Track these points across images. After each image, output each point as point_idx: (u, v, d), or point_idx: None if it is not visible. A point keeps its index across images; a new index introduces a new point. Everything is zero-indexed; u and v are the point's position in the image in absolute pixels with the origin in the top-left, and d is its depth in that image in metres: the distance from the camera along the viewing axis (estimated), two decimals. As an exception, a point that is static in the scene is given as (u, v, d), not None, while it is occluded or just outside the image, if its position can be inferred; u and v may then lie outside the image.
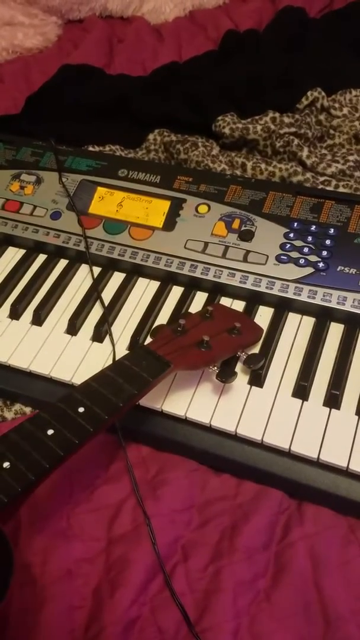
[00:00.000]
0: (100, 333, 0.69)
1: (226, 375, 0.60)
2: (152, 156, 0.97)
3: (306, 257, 0.69)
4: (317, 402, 0.61)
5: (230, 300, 0.71)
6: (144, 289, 0.73)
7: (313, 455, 0.57)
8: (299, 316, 0.68)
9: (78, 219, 0.77)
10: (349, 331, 0.65)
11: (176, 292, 0.72)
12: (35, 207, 0.80)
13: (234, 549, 0.56)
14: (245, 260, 0.70)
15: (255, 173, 0.89)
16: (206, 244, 0.72)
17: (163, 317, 0.70)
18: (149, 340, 0.67)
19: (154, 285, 0.73)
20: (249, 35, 1.17)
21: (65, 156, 0.84)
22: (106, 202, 0.78)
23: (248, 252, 0.70)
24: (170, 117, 0.99)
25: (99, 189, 0.80)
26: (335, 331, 0.66)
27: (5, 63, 1.22)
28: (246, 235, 0.71)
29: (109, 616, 0.53)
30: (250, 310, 0.69)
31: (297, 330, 0.67)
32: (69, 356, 0.67)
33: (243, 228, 0.72)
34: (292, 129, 0.92)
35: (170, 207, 0.76)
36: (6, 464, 0.48)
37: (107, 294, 0.73)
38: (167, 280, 0.73)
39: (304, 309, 0.67)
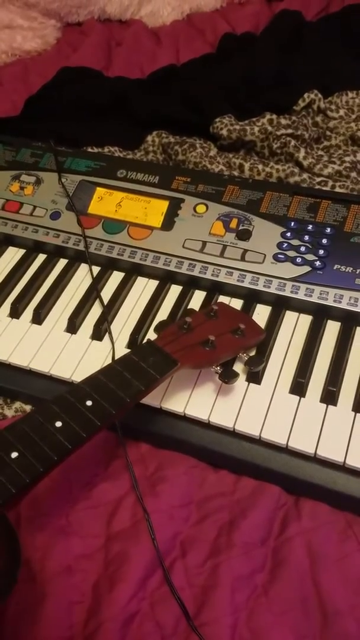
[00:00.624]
0: (100, 331, 0.69)
1: (229, 376, 0.60)
2: (151, 157, 0.98)
3: (303, 255, 0.69)
4: (314, 398, 0.61)
5: (229, 298, 0.71)
6: (143, 288, 0.74)
7: (310, 450, 0.57)
8: (296, 314, 0.69)
9: (77, 219, 0.78)
10: (345, 329, 0.66)
11: (175, 290, 0.73)
12: (35, 207, 0.80)
13: (232, 545, 0.57)
14: (243, 259, 0.71)
15: (252, 174, 0.90)
16: (204, 243, 0.73)
17: (162, 316, 0.71)
18: (151, 335, 0.68)
19: (153, 284, 0.74)
20: (246, 38, 1.18)
21: (65, 157, 0.84)
22: (105, 202, 0.79)
23: (246, 251, 0.71)
24: (169, 118, 1.00)
25: (98, 189, 0.80)
26: (332, 329, 0.67)
27: (5, 66, 1.23)
28: (244, 235, 0.72)
29: (108, 611, 0.53)
30: (248, 309, 0.70)
31: (294, 328, 0.68)
32: (69, 354, 0.68)
33: (241, 227, 0.73)
34: (289, 131, 0.93)
35: (169, 207, 0.76)
36: (14, 454, 0.48)
37: (107, 293, 0.73)
38: (165, 279, 0.74)
39: (301, 307, 0.68)
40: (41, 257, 0.79)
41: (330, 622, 0.52)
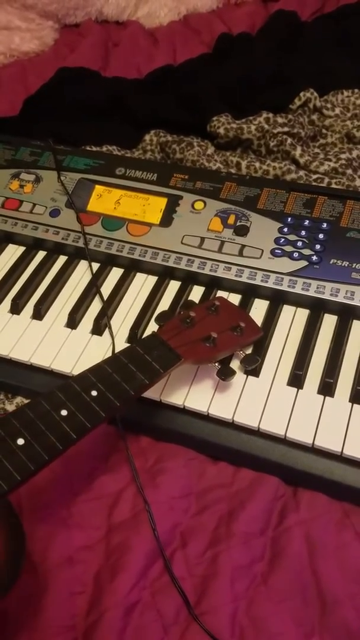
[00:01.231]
0: (100, 326, 0.70)
1: (227, 374, 0.61)
2: (149, 156, 0.98)
3: (300, 250, 0.70)
4: (311, 390, 0.62)
5: (227, 293, 0.72)
6: (142, 284, 0.75)
7: (308, 441, 0.58)
8: (293, 308, 0.69)
9: (77, 216, 0.79)
10: (342, 322, 0.67)
11: (173, 286, 0.74)
12: (34, 205, 0.81)
13: (231, 535, 0.57)
14: (240, 254, 0.71)
15: (249, 172, 0.91)
16: (202, 239, 0.74)
17: (161, 311, 0.71)
18: (151, 329, 0.69)
19: (152, 279, 0.75)
20: (242, 39, 1.19)
21: (64, 155, 0.85)
22: (104, 199, 0.80)
23: (243, 246, 0.72)
24: (166, 118, 1.01)
25: (97, 187, 0.81)
26: (329, 322, 0.68)
27: (3, 67, 1.24)
28: (241, 231, 0.73)
29: (109, 601, 0.54)
30: (246, 303, 0.70)
31: (291, 321, 0.68)
32: (69, 349, 0.69)
33: (238, 223, 0.74)
34: (286, 129, 0.94)
35: (167, 204, 0.77)
36: (20, 441, 0.49)
37: (106, 289, 0.74)
38: (164, 274, 0.75)
39: (298, 301, 0.69)
40: (41, 254, 0.80)
41: (329, 610, 0.53)
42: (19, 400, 0.69)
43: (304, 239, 0.71)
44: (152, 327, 0.70)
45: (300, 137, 0.95)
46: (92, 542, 0.58)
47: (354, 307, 0.66)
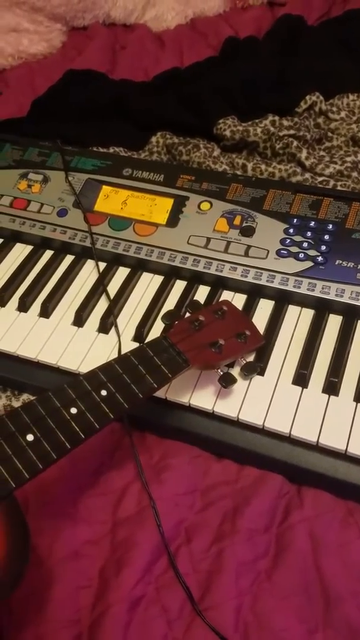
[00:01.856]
0: (106, 325, 0.71)
1: (228, 380, 0.61)
2: (155, 158, 0.99)
3: (305, 251, 0.71)
4: (316, 389, 0.63)
5: (232, 293, 0.73)
6: (148, 283, 0.75)
7: (313, 439, 0.59)
8: (298, 308, 0.70)
9: (84, 216, 0.79)
10: (347, 322, 0.67)
11: (179, 285, 0.75)
12: (42, 204, 0.82)
13: (235, 531, 0.58)
14: (246, 254, 0.72)
15: (255, 174, 0.92)
16: (208, 240, 0.74)
17: (167, 310, 0.72)
18: (157, 328, 0.69)
19: (158, 279, 0.75)
20: (248, 42, 1.20)
21: (72, 156, 0.86)
22: (111, 200, 0.81)
23: (249, 247, 0.73)
24: (172, 120, 1.01)
25: (104, 187, 0.82)
26: (334, 322, 0.68)
27: (11, 69, 1.25)
28: (247, 231, 0.74)
29: (114, 595, 0.55)
30: (251, 303, 0.71)
31: (297, 321, 0.69)
32: (76, 347, 0.69)
33: (244, 224, 0.74)
34: (291, 132, 0.95)
35: (174, 204, 0.78)
36: (30, 437, 0.49)
37: (113, 288, 0.75)
38: (170, 274, 0.75)
39: (304, 301, 0.70)
40: (48, 253, 0.81)
41: (332, 607, 0.53)
42: (26, 397, 0.70)
43: (310, 240, 0.71)
44: (158, 325, 0.70)
45: (306, 139, 0.96)
46: (97, 537, 0.59)
47: (359, 308, 0.67)
